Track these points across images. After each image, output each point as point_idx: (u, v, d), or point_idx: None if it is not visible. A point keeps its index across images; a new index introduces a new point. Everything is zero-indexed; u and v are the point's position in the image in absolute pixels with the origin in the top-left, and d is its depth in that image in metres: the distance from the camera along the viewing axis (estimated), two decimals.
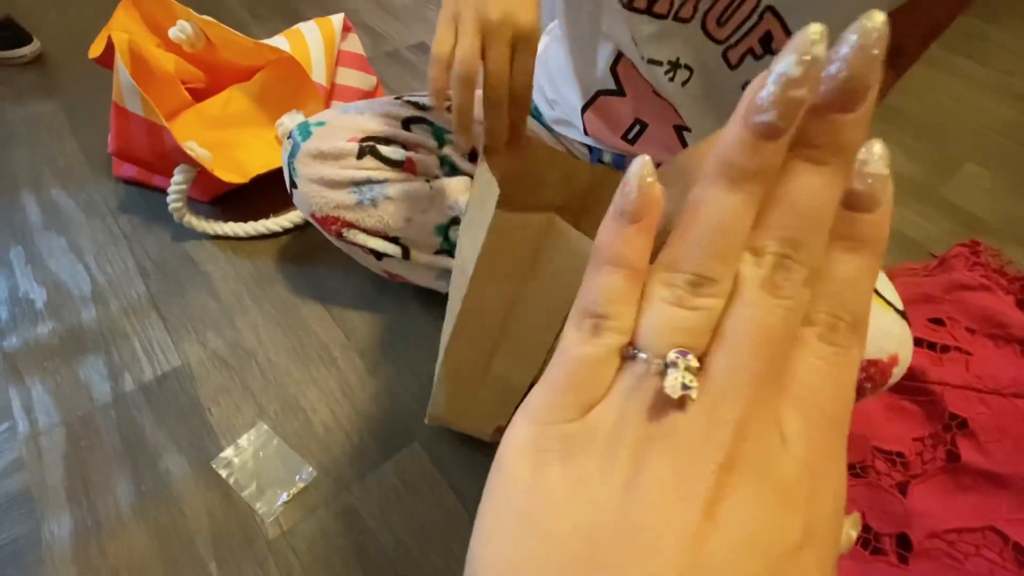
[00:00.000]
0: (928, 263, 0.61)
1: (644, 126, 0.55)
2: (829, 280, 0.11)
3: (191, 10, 0.70)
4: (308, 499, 0.50)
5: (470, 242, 0.39)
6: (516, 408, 0.44)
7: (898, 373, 0.41)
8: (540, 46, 0.68)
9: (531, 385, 0.43)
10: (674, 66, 0.47)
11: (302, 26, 0.72)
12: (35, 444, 0.53)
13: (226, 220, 0.72)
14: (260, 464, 0.52)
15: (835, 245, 0.12)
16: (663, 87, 0.50)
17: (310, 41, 0.70)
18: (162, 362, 0.59)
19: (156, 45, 0.72)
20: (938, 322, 0.50)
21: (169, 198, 0.67)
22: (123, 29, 0.71)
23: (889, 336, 0.40)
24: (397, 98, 0.59)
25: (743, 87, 0.47)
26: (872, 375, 0.40)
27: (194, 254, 0.70)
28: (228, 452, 0.53)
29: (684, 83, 0.48)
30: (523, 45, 0.35)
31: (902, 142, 1.06)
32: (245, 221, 0.72)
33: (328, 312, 0.65)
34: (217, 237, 0.71)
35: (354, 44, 0.80)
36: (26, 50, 0.94)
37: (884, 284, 0.43)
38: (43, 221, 0.72)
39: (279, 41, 0.69)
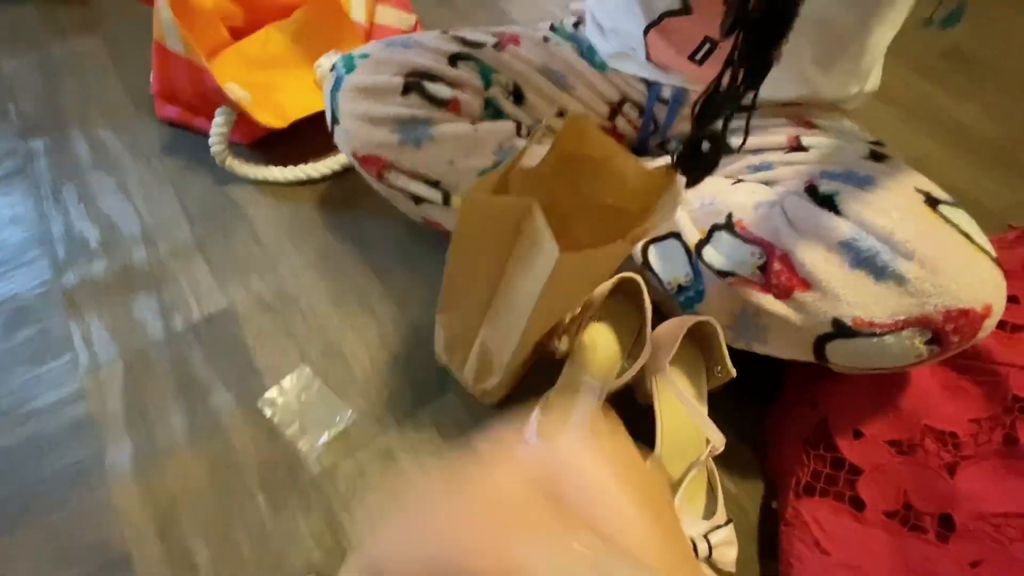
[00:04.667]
0: (1006, 234, 0.56)
1: (714, 44, 0.51)
2: None
3: None
4: (348, 440, 0.52)
5: None
6: (494, 377, 0.44)
7: (989, 326, 0.38)
8: None
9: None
10: None
11: None
12: (96, 376, 0.56)
13: (267, 164, 0.72)
14: (303, 405, 0.54)
15: None
16: None
17: None
18: (208, 304, 0.61)
19: None
20: (1012, 300, 0.46)
21: (211, 140, 0.67)
22: None
23: (983, 283, 0.37)
24: (444, 32, 0.57)
25: None
26: (961, 326, 0.37)
27: (237, 198, 0.71)
28: (272, 392, 0.55)
29: None
30: None
31: (979, 96, 0.96)
32: (285, 165, 0.71)
33: (367, 261, 0.65)
34: (258, 181, 0.72)
35: None
36: None
37: (976, 231, 0.40)
38: (92, 160, 0.74)
39: None
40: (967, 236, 0.38)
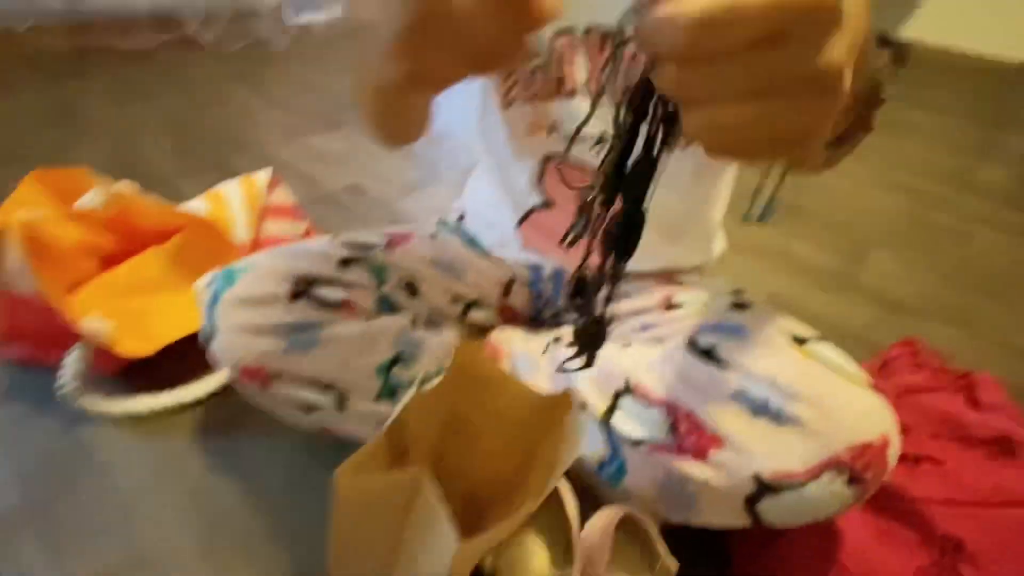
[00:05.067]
0: (872, 364, 0.61)
1: (581, 232, 0.56)
2: None
3: (105, 177, 0.68)
4: None
5: None
6: None
7: (894, 455, 0.38)
8: (467, 186, 0.70)
9: None
10: (599, 140, 0.49)
11: (224, 186, 0.72)
12: None
13: (134, 394, 0.64)
14: None
15: None
16: (594, 162, 0.51)
17: (232, 202, 0.69)
18: None
19: (63, 216, 0.68)
20: (902, 429, 0.48)
21: (60, 381, 0.59)
22: (26, 204, 0.67)
23: (870, 413, 0.38)
24: (333, 237, 0.57)
25: None
26: (869, 461, 0.37)
27: (90, 442, 0.60)
28: None
29: None
30: None
31: (813, 236, 1.15)
32: (156, 393, 0.64)
33: (250, 494, 0.56)
34: (121, 418, 0.63)
35: (282, 196, 0.80)
36: None
37: (848, 362, 0.42)
38: None
39: (197, 204, 0.68)
40: (840, 370, 0.41)
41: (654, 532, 0.42)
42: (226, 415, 0.64)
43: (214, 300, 0.48)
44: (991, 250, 1.22)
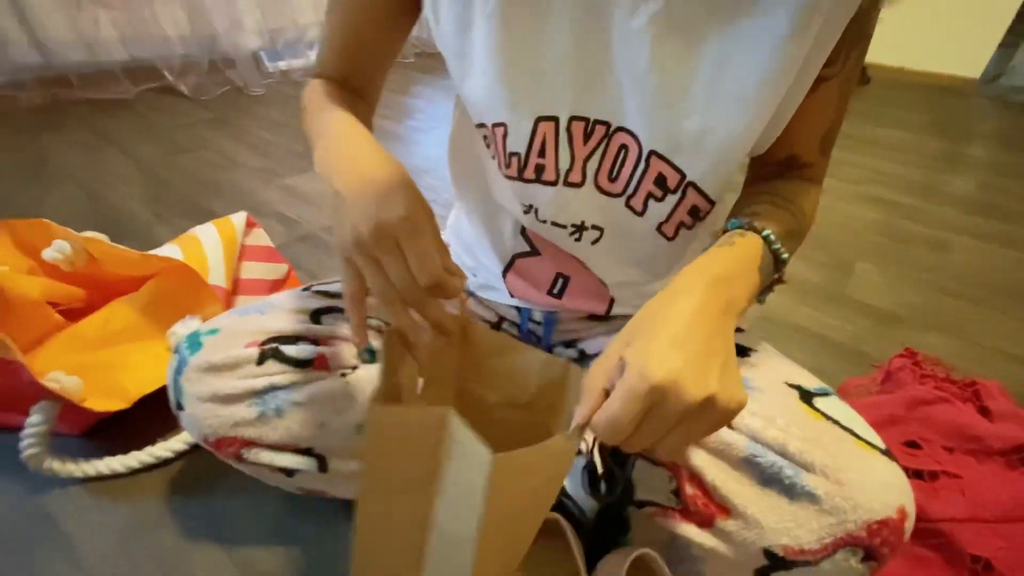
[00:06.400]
0: (873, 375, 0.60)
1: (567, 279, 0.53)
2: None
3: (71, 230, 0.65)
4: None
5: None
6: None
7: (910, 527, 0.35)
8: (451, 218, 0.68)
9: None
10: (579, 228, 0.47)
11: (198, 229, 0.69)
12: None
13: (102, 455, 0.59)
14: None
15: None
16: (572, 248, 0.49)
17: (206, 244, 0.67)
18: None
19: (30, 268, 0.65)
20: (913, 445, 0.47)
21: (22, 444, 0.54)
22: None
23: (889, 488, 0.35)
24: (305, 289, 0.54)
25: (657, 229, 0.42)
26: (886, 537, 0.34)
27: (53, 510, 0.56)
28: None
29: (594, 242, 0.48)
30: (406, 236, 0.33)
31: (800, 253, 1.16)
32: (127, 452, 0.60)
33: (229, 556, 0.52)
34: (89, 479, 0.58)
35: (260, 238, 0.78)
36: None
37: (860, 424, 0.39)
38: None
39: (171, 249, 0.65)
40: (852, 432, 0.38)
41: (666, 569, 0.39)
42: (202, 470, 0.60)
43: (180, 368, 0.45)
44: (971, 257, 1.24)
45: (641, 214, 0.44)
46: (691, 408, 0.28)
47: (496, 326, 0.62)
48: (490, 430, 0.40)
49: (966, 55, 2.83)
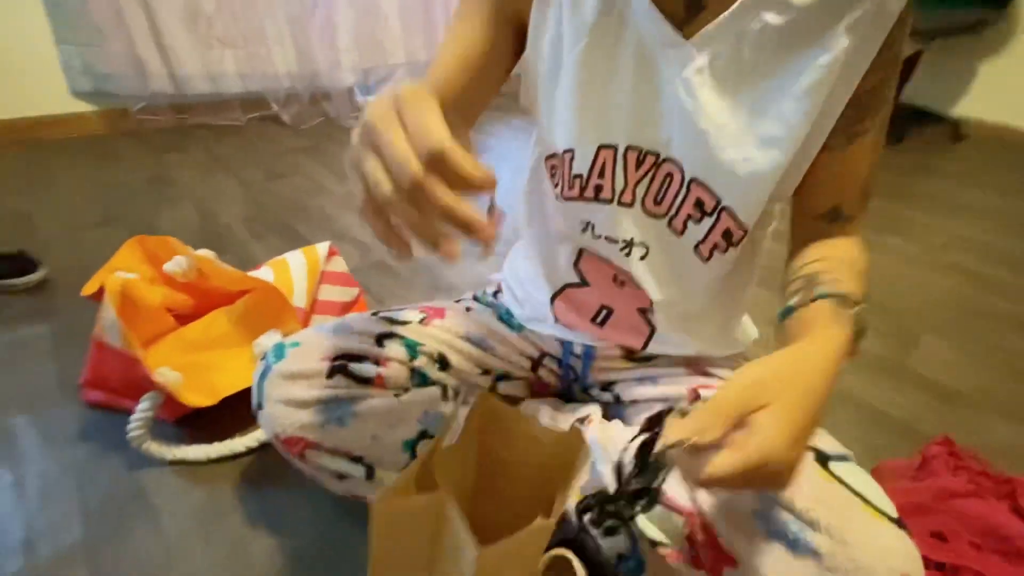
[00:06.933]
0: (911, 460, 0.59)
1: (610, 311, 0.58)
2: None
3: (189, 247, 0.78)
4: None
5: None
6: None
7: None
8: (507, 258, 0.74)
9: None
10: (629, 244, 0.52)
11: (289, 255, 0.80)
12: None
13: (190, 442, 0.69)
14: None
15: None
16: (623, 264, 0.54)
17: (293, 268, 0.77)
18: None
19: (152, 278, 0.78)
20: (939, 536, 0.46)
21: (130, 426, 0.65)
22: (125, 265, 0.77)
23: (893, 553, 0.35)
24: (373, 314, 0.62)
25: (695, 249, 0.49)
26: None
27: (147, 485, 0.66)
28: None
29: (643, 258, 0.53)
30: (407, 104, 0.29)
31: None
32: (210, 442, 0.69)
33: (282, 547, 0.59)
34: (176, 463, 0.68)
35: (338, 264, 0.87)
36: (27, 279, 1.01)
37: (874, 491, 0.40)
38: None
39: (265, 272, 0.76)
40: (862, 497, 0.39)
41: None
42: (269, 468, 0.68)
43: (265, 373, 0.53)
44: None
45: (680, 234, 0.50)
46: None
47: (537, 363, 0.67)
48: (503, 506, 0.45)
49: None
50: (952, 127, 2.67)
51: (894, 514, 0.38)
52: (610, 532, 0.48)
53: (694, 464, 0.30)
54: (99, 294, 0.70)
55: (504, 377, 0.66)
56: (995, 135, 2.79)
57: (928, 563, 0.45)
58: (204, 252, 0.78)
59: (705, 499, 0.43)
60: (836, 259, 0.46)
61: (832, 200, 0.48)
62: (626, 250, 0.53)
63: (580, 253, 0.57)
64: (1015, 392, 0.96)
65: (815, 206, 0.48)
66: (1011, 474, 0.52)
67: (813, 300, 0.41)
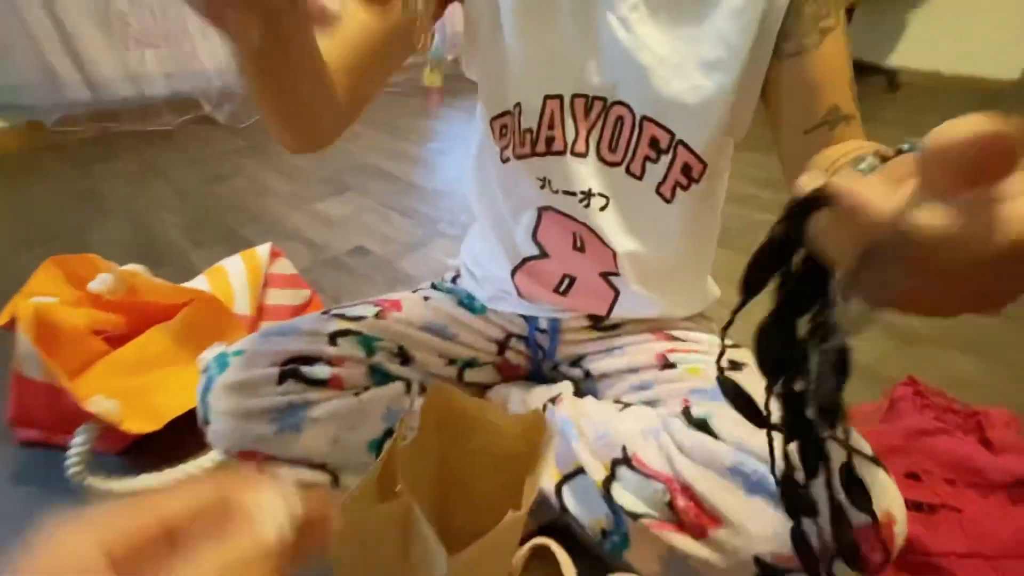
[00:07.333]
0: (879, 403, 0.59)
1: (573, 279, 0.58)
2: None
3: (114, 263, 0.71)
4: None
5: None
6: None
7: (901, 532, 0.36)
8: (464, 240, 0.71)
9: None
10: (587, 195, 0.51)
11: (226, 261, 0.75)
12: None
13: (139, 472, 0.64)
14: None
15: None
16: (584, 217, 0.52)
17: (232, 275, 0.72)
18: None
19: (77, 299, 0.72)
20: (914, 476, 0.46)
21: (67, 462, 0.60)
22: (43, 289, 0.70)
23: (873, 492, 0.35)
24: (324, 313, 0.58)
25: (656, 190, 0.47)
26: (874, 544, 0.35)
27: None
28: None
29: (602, 208, 0.52)
30: None
31: None
32: (160, 469, 0.64)
33: None
34: (127, 495, 0.63)
35: (284, 266, 0.82)
36: None
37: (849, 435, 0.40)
38: None
39: (200, 281, 0.70)
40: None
41: None
42: None
43: (208, 386, 0.49)
44: None
45: (640, 178, 0.49)
46: None
47: (503, 344, 0.65)
48: (471, 484, 0.43)
49: (1005, 56, 2.72)
50: (888, 77, 2.75)
51: (869, 452, 0.38)
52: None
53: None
54: (12, 324, 0.63)
55: (471, 364, 0.63)
56: (929, 82, 2.90)
57: (906, 504, 0.45)
58: (132, 267, 0.72)
59: (682, 462, 0.42)
60: (872, 145, 0.40)
61: (828, 100, 0.44)
62: (584, 202, 0.52)
63: (539, 217, 0.55)
64: (972, 324, 0.99)
65: (813, 112, 0.44)
66: (976, 406, 0.53)
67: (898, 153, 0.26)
